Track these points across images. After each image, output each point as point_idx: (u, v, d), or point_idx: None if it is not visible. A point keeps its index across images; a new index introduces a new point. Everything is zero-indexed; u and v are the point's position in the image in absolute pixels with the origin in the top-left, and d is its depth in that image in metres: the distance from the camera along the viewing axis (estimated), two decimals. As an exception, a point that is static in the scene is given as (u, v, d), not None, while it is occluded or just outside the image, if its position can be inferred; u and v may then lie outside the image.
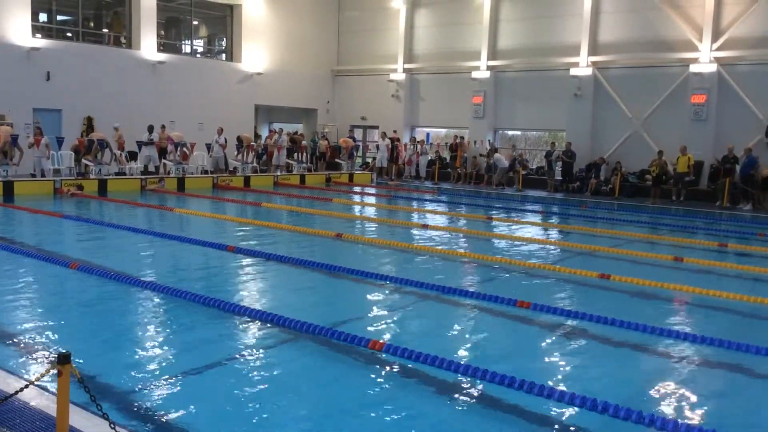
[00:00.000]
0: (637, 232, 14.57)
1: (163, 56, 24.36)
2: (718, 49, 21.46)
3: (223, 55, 28.31)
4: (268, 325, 6.54)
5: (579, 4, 24.03)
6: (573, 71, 24.08)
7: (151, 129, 21.43)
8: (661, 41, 22.57)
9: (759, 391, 5.57)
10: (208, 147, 23.31)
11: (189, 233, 11.68)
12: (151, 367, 5.43)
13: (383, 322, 7.14)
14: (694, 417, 4.86)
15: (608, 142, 23.85)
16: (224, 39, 28.30)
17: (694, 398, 5.33)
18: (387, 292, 8.36)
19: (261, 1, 27.70)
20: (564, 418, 4.70)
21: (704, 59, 21.58)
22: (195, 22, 27.69)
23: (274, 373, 5.43)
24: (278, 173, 23.69)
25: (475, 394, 5.08)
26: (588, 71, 23.88)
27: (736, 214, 18.55)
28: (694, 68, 21.75)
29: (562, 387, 5.13)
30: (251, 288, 8.66)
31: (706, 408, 5.13)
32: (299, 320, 6.36)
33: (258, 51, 27.76)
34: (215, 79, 26.27)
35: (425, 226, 14.26)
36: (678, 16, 22.21)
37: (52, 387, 4.27)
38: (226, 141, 23.21)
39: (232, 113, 25.97)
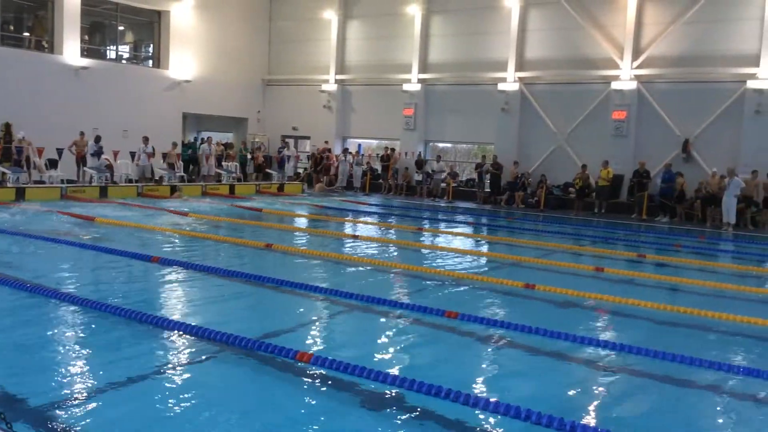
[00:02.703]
0: (561, 243, 14.97)
1: (86, 61, 23.64)
2: (638, 67, 22.38)
3: (150, 62, 27.66)
4: (193, 338, 6.39)
5: (506, 22, 24.65)
6: (501, 86, 24.65)
7: (98, 139, 20.96)
8: (584, 59, 23.37)
9: (677, 397, 5.78)
10: (133, 155, 22.70)
11: (111, 243, 11.31)
12: (69, 383, 5.21)
13: (312, 333, 7.09)
14: (614, 424, 5.01)
15: (534, 155, 24.48)
16: (151, 45, 27.67)
17: (614, 405, 5.49)
18: (316, 303, 8.31)
19: (190, 8, 27.24)
20: (489, 427, 4.77)
21: (625, 77, 22.46)
22: (121, 28, 26.99)
23: (199, 387, 5.30)
24: (207, 183, 23.27)
25: (403, 404, 5.09)
26: (515, 86, 24.47)
27: (653, 226, 19.32)
28: (615, 85, 22.59)
29: (487, 395, 5.20)
30: (176, 300, 8.44)
31: (626, 415, 5.28)
32: (225, 332, 6.24)
33: (186, 58, 27.26)
34: (141, 85, 25.65)
35: (356, 237, 14.27)
36: (600, 35, 23.05)
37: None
38: (153, 150, 22.66)
39: (159, 121, 25.40)
